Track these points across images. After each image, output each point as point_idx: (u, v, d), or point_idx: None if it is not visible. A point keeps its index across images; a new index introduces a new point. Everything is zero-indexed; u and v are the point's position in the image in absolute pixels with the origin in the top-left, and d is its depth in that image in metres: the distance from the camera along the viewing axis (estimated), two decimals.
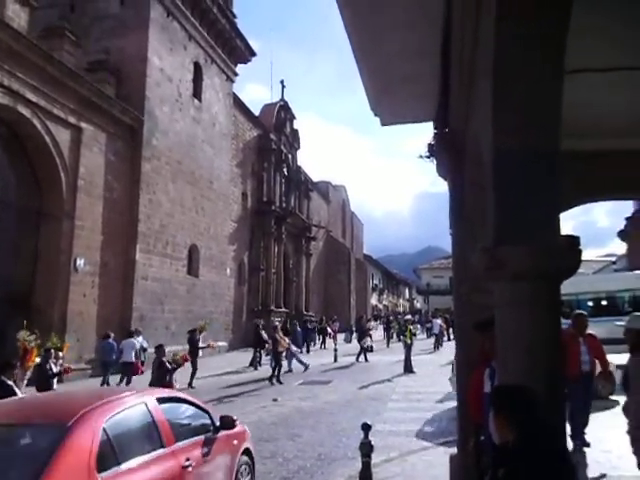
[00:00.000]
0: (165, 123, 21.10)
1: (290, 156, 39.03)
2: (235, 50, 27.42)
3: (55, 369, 9.39)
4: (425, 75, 5.40)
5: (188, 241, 22.76)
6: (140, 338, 15.82)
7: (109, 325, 17.83)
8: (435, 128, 6.70)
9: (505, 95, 3.05)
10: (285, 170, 37.67)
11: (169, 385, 9.48)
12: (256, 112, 34.62)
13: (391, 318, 37.25)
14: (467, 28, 3.91)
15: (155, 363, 10.22)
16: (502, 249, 2.88)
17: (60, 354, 9.99)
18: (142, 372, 14.55)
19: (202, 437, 5.01)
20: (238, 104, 29.95)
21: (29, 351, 9.44)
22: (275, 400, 12.63)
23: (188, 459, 4.47)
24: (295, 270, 39.32)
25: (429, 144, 6.78)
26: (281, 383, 15.58)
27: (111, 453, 3.77)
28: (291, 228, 37.46)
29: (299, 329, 26.80)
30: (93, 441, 3.63)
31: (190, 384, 14.76)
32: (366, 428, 6.39)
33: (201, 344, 16.40)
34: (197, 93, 23.91)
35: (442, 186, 6.90)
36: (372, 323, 28.95)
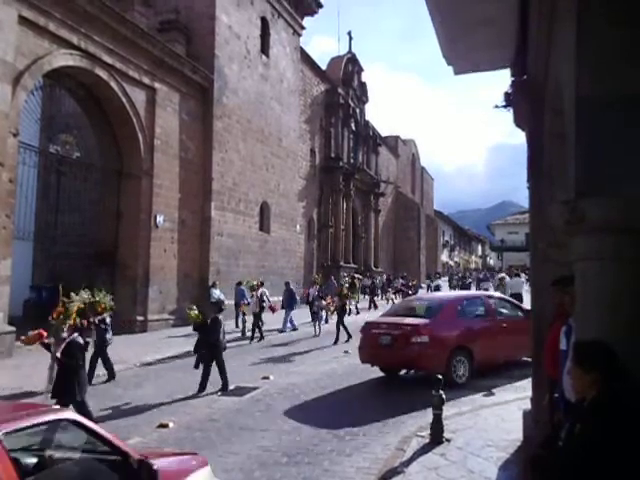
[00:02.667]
0: (234, 81, 21.26)
1: (358, 110, 38.43)
2: (301, 2, 26.92)
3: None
4: (501, 18, 5.12)
5: (259, 198, 23.20)
6: (217, 291, 16.51)
7: (189, 279, 18.74)
8: (512, 75, 6.40)
9: (590, 38, 2.87)
10: (353, 125, 37.21)
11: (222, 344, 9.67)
12: (323, 66, 34.16)
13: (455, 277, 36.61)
14: None
15: (212, 320, 9.73)
16: (584, 201, 2.76)
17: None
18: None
19: None
20: (305, 58, 29.63)
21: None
22: (346, 352, 12.90)
23: None
24: (364, 227, 39.28)
25: (506, 93, 6.48)
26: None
27: None
28: (359, 184, 37.24)
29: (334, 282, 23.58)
30: None
31: (251, 337, 15.30)
32: (437, 382, 6.47)
33: (264, 301, 16.36)
34: (265, 49, 23.83)
35: (519, 138, 6.64)
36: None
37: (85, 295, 8.91)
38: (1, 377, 9.89)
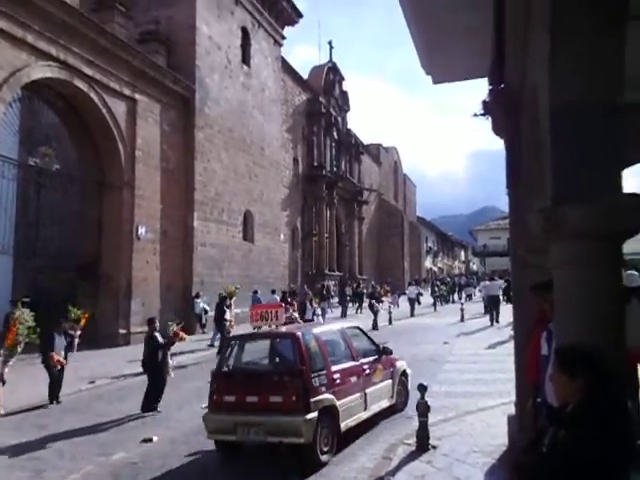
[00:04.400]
0: (216, 91, 21.26)
1: (340, 119, 38.64)
2: (282, 13, 27.07)
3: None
4: (478, 29, 5.20)
5: (242, 208, 23.15)
6: (201, 300, 16.47)
7: (172, 291, 18.58)
8: (490, 84, 6.47)
9: (563, 47, 2.92)
10: (335, 133, 37.40)
11: (161, 364, 9.13)
12: (305, 75, 34.31)
13: (437, 282, 36.64)
14: None
15: (146, 338, 9.53)
16: (560, 209, 2.80)
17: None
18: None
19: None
20: (287, 68, 29.75)
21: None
22: None
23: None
24: (348, 234, 39.39)
25: (483, 101, 6.55)
26: None
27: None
28: (342, 192, 37.37)
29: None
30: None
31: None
32: (422, 389, 6.49)
33: (228, 313, 15.83)
34: (246, 59, 23.88)
35: (498, 144, 6.70)
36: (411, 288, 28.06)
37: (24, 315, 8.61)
38: None
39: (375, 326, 19.12)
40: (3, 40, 12.66)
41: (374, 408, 7.46)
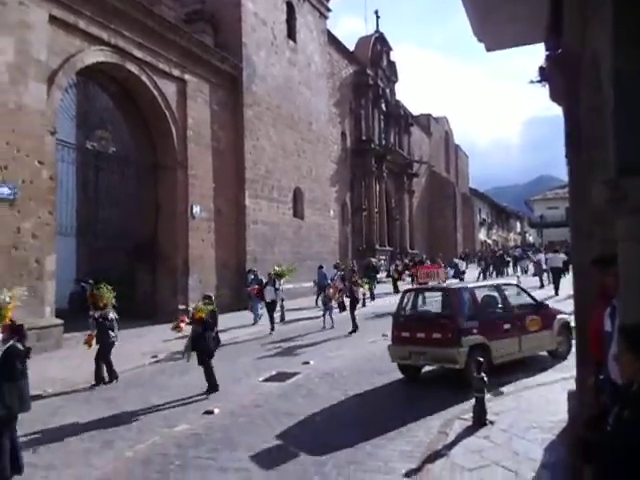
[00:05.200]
0: (262, 68, 21.24)
1: (388, 90, 37.90)
2: None
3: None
4: None
5: (292, 184, 23.25)
6: (253, 276, 16.79)
7: (227, 267, 19.01)
8: (547, 50, 6.19)
9: (627, 13, 2.75)
10: (383, 106, 36.76)
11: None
12: (351, 47, 33.75)
13: (489, 255, 35.19)
14: None
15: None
16: (626, 180, 2.67)
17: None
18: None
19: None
20: (333, 41, 29.32)
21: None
22: (385, 335, 12.87)
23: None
24: (398, 208, 38.95)
25: (540, 67, 6.29)
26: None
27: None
28: (392, 165, 36.87)
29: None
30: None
31: (272, 328, 14.51)
32: (478, 364, 6.42)
33: (281, 292, 15.94)
34: (291, 34, 23.69)
35: (555, 110, 6.43)
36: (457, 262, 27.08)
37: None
38: (52, 368, 10.30)
39: None
40: (57, 27, 13.01)
41: (528, 351, 9.13)
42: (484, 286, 9.64)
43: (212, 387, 8.55)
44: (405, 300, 9.52)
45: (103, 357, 9.49)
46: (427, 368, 9.21)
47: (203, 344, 8.62)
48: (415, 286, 11.45)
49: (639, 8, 2.72)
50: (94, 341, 9.49)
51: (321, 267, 19.54)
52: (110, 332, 9.53)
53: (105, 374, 9.50)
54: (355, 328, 13.82)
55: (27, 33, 12.16)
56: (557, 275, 20.38)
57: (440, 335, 8.28)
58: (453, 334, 8.17)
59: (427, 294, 10.11)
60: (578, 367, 5.99)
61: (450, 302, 8.83)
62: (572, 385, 6.30)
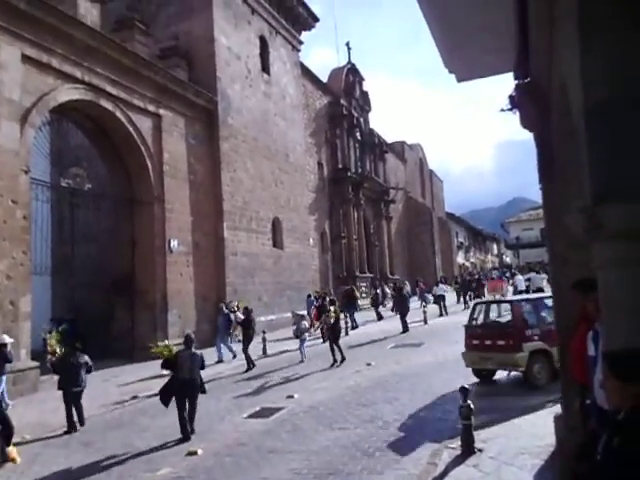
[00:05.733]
0: (238, 101, 21.42)
1: (362, 119, 38.49)
2: (298, 18, 27.14)
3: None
4: (500, 26, 5.08)
5: (271, 215, 23.26)
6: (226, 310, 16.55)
7: (207, 301, 18.79)
8: (515, 78, 6.36)
9: (593, 43, 2.83)
10: (358, 134, 37.25)
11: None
12: (324, 78, 34.31)
13: (467, 278, 35.10)
14: None
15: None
16: (601, 208, 2.71)
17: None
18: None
19: None
20: (306, 73, 29.79)
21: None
22: (369, 364, 12.82)
23: None
24: (376, 234, 39.15)
25: (510, 96, 6.43)
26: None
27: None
28: (369, 193, 37.19)
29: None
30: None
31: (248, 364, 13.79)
32: (464, 392, 6.39)
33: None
34: (265, 67, 24.01)
35: (526, 134, 6.57)
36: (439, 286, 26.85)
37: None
38: (29, 413, 9.97)
39: (403, 329, 18.39)
40: (30, 66, 12.98)
41: None
42: (545, 297, 10.45)
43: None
44: (476, 311, 11.07)
45: (74, 402, 9.11)
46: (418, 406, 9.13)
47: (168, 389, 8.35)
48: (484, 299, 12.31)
49: (606, 38, 2.79)
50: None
51: (309, 296, 19.23)
52: (79, 377, 9.13)
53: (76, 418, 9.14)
54: (343, 358, 13.41)
55: (0, 73, 12.10)
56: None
57: (504, 342, 9.49)
58: (515, 341, 9.35)
59: (496, 306, 11.92)
60: (563, 390, 6.00)
61: (513, 312, 10.03)
62: (557, 409, 6.30)
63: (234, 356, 15.01)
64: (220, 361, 14.87)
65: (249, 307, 15.78)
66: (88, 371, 9.36)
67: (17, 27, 12.51)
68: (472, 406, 6.36)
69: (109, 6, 17.80)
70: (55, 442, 8.53)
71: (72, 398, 9.08)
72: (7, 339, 10.11)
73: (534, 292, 21.34)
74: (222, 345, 15.27)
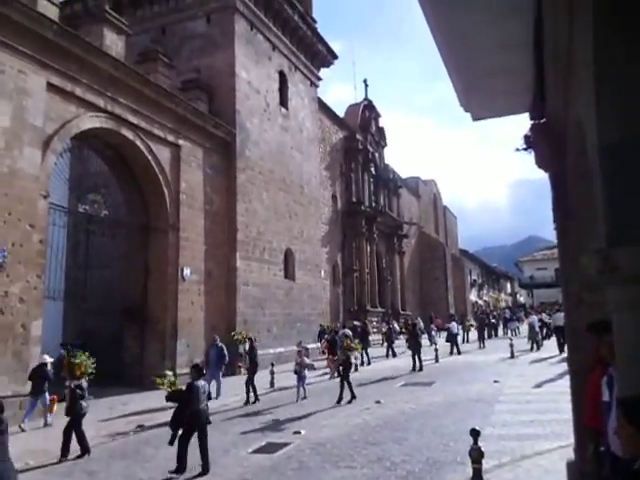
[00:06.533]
0: (256, 134, 21.77)
1: (377, 155, 38.88)
2: (317, 55, 27.74)
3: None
4: (516, 68, 5.17)
5: (283, 246, 23.33)
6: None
7: (216, 330, 18.69)
8: (531, 119, 6.41)
9: (609, 84, 2.85)
10: (373, 169, 37.58)
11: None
12: (341, 112, 34.85)
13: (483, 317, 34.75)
14: (561, 23, 3.70)
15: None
16: (616, 251, 2.68)
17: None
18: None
19: None
20: (323, 108, 30.29)
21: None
22: (378, 402, 12.61)
23: None
24: (389, 269, 39.06)
25: (525, 135, 6.48)
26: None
27: None
28: (382, 227, 37.28)
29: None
30: None
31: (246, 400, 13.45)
32: (475, 434, 6.23)
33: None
34: (283, 101, 24.45)
35: (540, 173, 6.57)
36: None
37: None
38: (33, 439, 9.89)
39: (418, 367, 18.15)
40: (54, 94, 13.34)
41: None
42: None
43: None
44: None
45: (75, 428, 8.95)
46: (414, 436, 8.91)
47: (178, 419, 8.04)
48: None
49: (623, 79, 2.81)
50: (55, 408, 9.03)
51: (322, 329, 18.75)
52: (82, 402, 9.02)
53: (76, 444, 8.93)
54: (353, 396, 12.94)
55: (24, 99, 12.45)
56: (561, 334, 20.39)
57: None
58: None
59: None
60: (576, 436, 5.84)
61: None
62: (570, 453, 6.12)
63: (218, 395, 13.78)
64: (209, 398, 13.81)
65: (253, 337, 15.61)
66: (81, 397, 9.16)
67: (44, 56, 12.90)
68: (482, 449, 6.19)
69: (134, 39, 18.37)
70: (58, 469, 8.42)
71: (77, 423, 9.00)
72: (48, 359, 10.35)
73: (556, 329, 21.53)
74: (213, 381, 13.88)
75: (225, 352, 14.90)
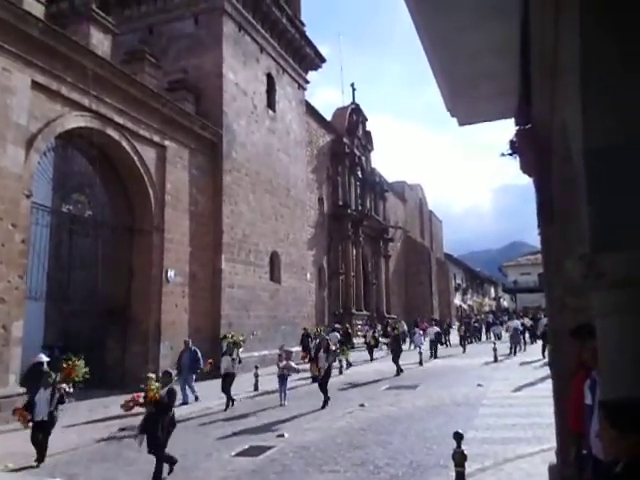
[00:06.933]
0: (242, 136, 21.70)
1: (364, 158, 39.00)
2: (305, 58, 27.77)
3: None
4: (502, 73, 5.21)
5: (269, 248, 23.27)
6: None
7: (200, 333, 18.57)
8: (516, 124, 6.46)
9: (594, 88, 2.87)
10: (359, 173, 37.68)
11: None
12: (328, 116, 34.89)
13: (468, 321, 35.16)
14: (547, 23, 3.73)
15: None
16: (601, 256, 2.70)
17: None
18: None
19: None
20: (310, 111, 30.31)
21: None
22: (362, 406, 12.60)
23: None
24: (374, 272, 39.14)
25: (511, 141, 6.52)
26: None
27: None
28: (368, 230, 37.37)
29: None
30: None
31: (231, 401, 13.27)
32: (458, 437, 6.25)
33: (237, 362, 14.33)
34: (271, 104, 24.42)
35: (526, 178, 6.63)
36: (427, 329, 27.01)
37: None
38: (13, 441, 9.71)
39: (399, 370, 18.23)
40: (39, 92, 13.18)
41: None
42: None
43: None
44: None
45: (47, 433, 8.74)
46: (399, 440, 8.91)
47: (153, 430, 7.53)
48: None
49: (608, 83, 2.82)
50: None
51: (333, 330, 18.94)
52: (59, 406, 8.88)
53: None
54: (327, 398, 12.76)
55: (9, 98, 12.28)
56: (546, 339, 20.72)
57: None
58: None
59: None
60: (558, 439, 5.88)
61: None
62: (552, 457, 6.16)
63: (196, 398, 13.79)
64: (185, 403, 13.33)
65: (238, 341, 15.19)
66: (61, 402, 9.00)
67: (29, 54, 12.75)
68: (465, 452, 6.21)
69: (121, 39, 18.25)
70: (38, 472, 8.29)
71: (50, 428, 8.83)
72: (44, 358, 10.77)
73: (543, 335, 21.59)
74: (187, 387, 13.76)
75: (199, 356, 14.39)
